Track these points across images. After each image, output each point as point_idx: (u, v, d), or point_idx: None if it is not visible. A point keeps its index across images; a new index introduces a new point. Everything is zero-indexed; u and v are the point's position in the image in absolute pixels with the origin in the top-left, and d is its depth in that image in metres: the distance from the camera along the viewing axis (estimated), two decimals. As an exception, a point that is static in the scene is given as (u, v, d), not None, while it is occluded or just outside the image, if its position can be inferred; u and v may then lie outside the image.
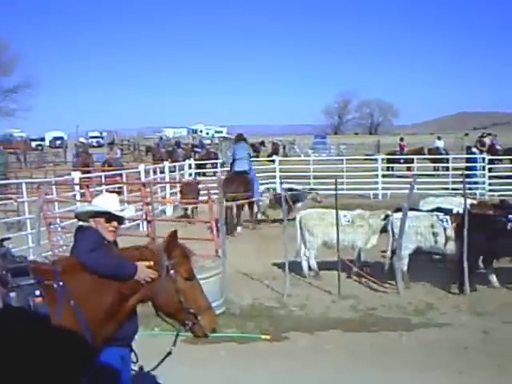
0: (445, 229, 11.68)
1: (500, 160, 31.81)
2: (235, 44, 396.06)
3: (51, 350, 4.12)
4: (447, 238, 11.66)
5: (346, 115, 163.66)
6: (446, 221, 11.75)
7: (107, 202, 5.16)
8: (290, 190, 17.64)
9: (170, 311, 4.84)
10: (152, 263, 4.66)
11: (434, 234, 11.76)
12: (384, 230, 12.49)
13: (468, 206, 11.81)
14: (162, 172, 24.39)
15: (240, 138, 18.95)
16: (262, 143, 60.18)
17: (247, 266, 13.13)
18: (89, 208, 5.28)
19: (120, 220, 5.18)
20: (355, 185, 26.36)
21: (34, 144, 74.74)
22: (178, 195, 21.66)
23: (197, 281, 4.93)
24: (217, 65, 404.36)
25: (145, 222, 15.56)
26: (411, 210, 11.90)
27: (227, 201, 16.44)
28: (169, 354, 5.08)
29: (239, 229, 18.37)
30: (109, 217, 5.05)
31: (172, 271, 4.70)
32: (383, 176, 27.94)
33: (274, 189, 22.50)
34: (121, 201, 5.60)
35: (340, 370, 8.09)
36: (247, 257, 14.01)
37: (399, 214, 11.87)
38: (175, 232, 4.82)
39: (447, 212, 12.24)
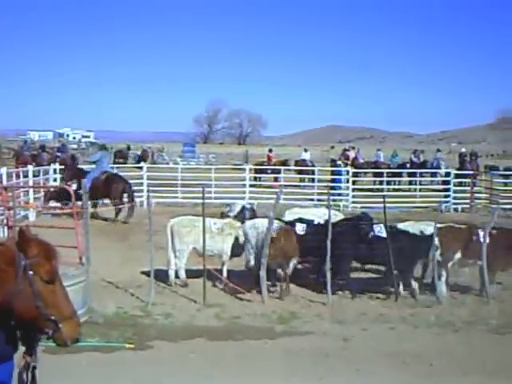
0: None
1: (365, 173, 33.10)
2: (106, 47, 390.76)
3: None
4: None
5: (215, 124, 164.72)
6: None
7: None
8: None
9: (28, 317, 4.18)
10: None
11: None
12: None
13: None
14: (26, 176, 23.56)
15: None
16: (128, 148, 59.52)
17: (112, 274, 12.92)
18: None
19: None
20: (223, 194, 26.48)
21: None
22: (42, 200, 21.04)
23: (61, 285, 4.32)
24: (86, 68, 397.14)
25: (5, 228, 14.94)
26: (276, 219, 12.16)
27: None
28: (34, 368, 4.34)
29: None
30: None
31: (30, 272, 4.08)
32: (251, 186, 28.42)
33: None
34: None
35: (203, 379, 8.10)
36: (113, 265, 13.78)
37: (251, 222, 12.22)
38: (23, 229, 4.24)
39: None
